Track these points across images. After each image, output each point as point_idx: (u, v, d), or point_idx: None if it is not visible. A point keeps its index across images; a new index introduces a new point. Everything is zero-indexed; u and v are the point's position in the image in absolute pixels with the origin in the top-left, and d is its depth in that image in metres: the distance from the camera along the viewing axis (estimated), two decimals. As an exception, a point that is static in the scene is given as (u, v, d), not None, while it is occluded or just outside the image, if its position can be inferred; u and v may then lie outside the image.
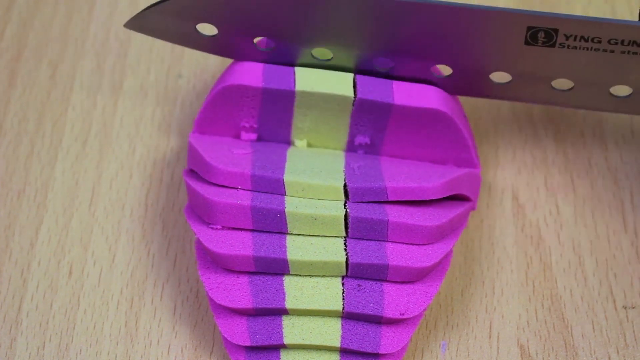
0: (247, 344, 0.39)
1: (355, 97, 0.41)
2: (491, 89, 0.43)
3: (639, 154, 0.46)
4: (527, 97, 0.43)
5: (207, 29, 0.42)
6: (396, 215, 0.40)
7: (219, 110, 0.43)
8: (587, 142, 0.47)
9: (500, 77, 0.43)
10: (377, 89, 0.42)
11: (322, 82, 0.42)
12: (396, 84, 0.42)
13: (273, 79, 0.42)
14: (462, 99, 0.45)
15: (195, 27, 0.42)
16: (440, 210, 0.41)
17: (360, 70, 0.42)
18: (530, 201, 0.45)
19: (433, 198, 0.41)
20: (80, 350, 0.41)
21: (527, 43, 0.41)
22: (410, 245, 0.40)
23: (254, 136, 0.43)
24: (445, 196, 0.41)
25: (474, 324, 0.42)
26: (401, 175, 0.41)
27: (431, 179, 0.41)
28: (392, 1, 0.40)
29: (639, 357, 0.41)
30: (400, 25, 0.41)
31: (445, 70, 0.42)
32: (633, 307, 0.42)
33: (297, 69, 0.42)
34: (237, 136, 0.44)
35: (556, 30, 0.40)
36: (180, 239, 0.44)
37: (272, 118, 0.43)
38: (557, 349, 0.41)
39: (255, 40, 0.42)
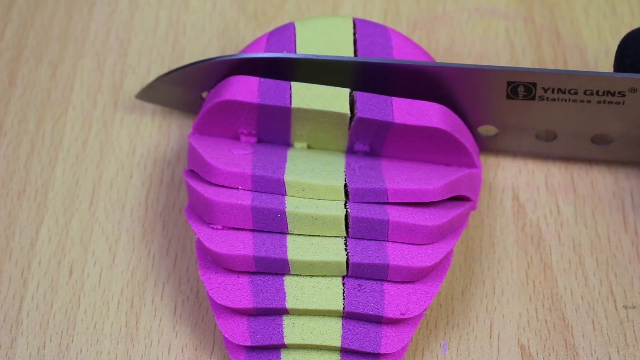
0: (248, 343, 0.39)
1: (353, 115, 0.41)
2: (480, 142, 0.45)
3: (639, 154, 0.46)
4: (514, 149, 0.45)
5: None
6: (397, 215, 0.40)
7: (216, 118, 0.43)
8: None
9: (488, 130, 0.45)
10: (376, 107, 0.41)
11: (318, 99, 0.41)
12: (396, 101, 0.41)
13: (269, 95, 0.41)
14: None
15: (201, 95, 0.45)
16: (441, 210, 0.41)
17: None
18: (530, 201, 0.45)
19: (433, 200, 0.41)
20: (81, 350, 0.41)
21: (508, 97, 0.43)
22: (411, 245, 0.40)
23: (253, 139, 0.44)
24: (445, 197, 0.41)
25: (475, 323, 0.42)
26: (402, 176, 0.41)
27: (432, 180, 0.41)
28: (374, 64, 0.42)
29: (639, 356, 0.41)
30: (384, 86, 0.43)
31: None
32: (633, 307, 0.42)
33: (293, 84, 0.42)
34: (237, 138, 0.44)
35: (534, 84, 0.42)
36: (180, 239, 0.44)
37: (270, 127, 0.43)
38: (557, 348, 0.41)
39: None
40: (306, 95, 0.41)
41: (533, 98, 0.42)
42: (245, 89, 0.42)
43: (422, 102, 0.42)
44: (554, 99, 0.42)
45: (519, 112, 0.43)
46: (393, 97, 0.42)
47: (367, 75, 0.43)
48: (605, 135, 0.44)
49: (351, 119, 0.42)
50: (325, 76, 0.42)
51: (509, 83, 0.42)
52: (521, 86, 0.42)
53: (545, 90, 0.42)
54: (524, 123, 0.44)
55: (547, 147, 0.45)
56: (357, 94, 0.42)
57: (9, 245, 0.44)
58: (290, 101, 0.41)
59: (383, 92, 0.42)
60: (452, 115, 0.42)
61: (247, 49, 0.44)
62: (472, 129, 0.44)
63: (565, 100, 0.42)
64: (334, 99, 0.41)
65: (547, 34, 0.49)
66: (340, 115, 0.41)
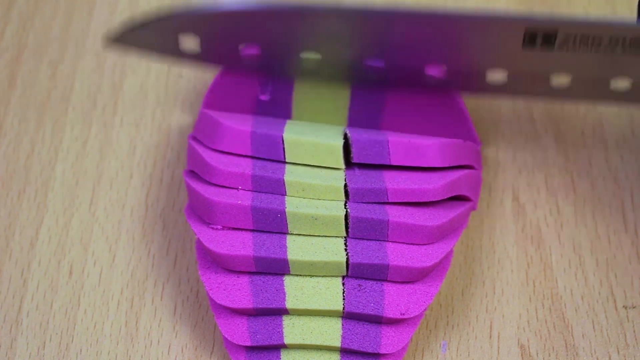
0: (248, 343, 0.39)
1: (347, 168, 0.42)
2: (487, 87, 0.43)
3: (639, 154, 0.46)
4: (524, 95, 0.43)
5: (191, 43, 0.42)
6: (397, 215, 0.40)
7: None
8: (587, 142, 0.47)
9: (496, 76, 0.43)
10: (371, 153, 0.41)
11: (311, 156, 0.41)
12: (392, 144, 0.41)
13: (262, 149, 0.41)
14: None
15: (177, 40, 0.42)
16: (441, 210, 0.41)
17: (351, 73, 0.42)
18: (530, 201, 0.45)
19: (433, 200, 0.41)
20: (81, 350, 0.41)
21: (525, 46, 0.40)
22: (411, 245, 0.40)
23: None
24: (445, 197, 0.41)
25: (475, 323, 0.42)
26: (402, 176, 0.41)
27: (432, 180, 0.41)
28: (384, 12, 0.40)
29: (640, 357, 0.41)
30: (394, 34, 0.41)
31: (440, 71, 0.42)
32: (633, 307, 0.42)
33: (286, 138, 0.41)
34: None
35: (555, 33, 0.40)
36: (180, 239, 0.44)
37: (265, 170, 0.42)
38: (557, 348, 0.41)
39: (241, 46, 0.42)
40: (299, 153, 0.41)
41: (552, 48, 0.40)
42: (238, 142, 0.42)
43: (418, 141, 0.41)
44: (574, 49, 0.40)
45: (534, 62, 0.41)
46: (389, 139, 0.41)
47: (373, 24, 0.40)
48: (623, 81, 0.42)
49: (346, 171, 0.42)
50: (322, 20, 0.40)
51: (526, 32, 0.39)
52: (540, 35, 0.39)
53: (566, 39, 0.40)
54: (538, 71, 0.41)
55: (561, 93, 0.43)
56: (352, 146, 0.41)
57: (9, 245, 0.44)
58: (284, 155, 0.41)
59: (386, 38, 0.40)
60: (450, 144, 0.42)
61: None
62: (479, 75, 0.42)
63: (587, 51, 0.40)
64: (327, 154, 0.41)
65: (547, 34, 0.49)
66: (335, 169, 0.41)
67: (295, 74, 0.43)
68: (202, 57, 0.42)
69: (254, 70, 0.43)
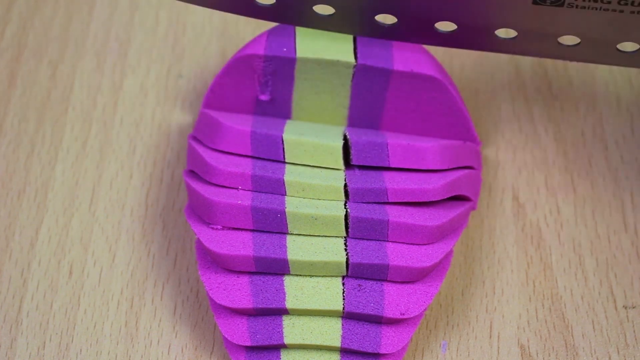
0: (248, 343, 0.39)
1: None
2: (496, 44, 0.43)
3: (639, 154, 0.46)
4: (532, 52, 0.43)
5: None
6: (396, 215, 0.40)
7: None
8: (587, 142, 0.47)
9: (505, 32, 0.42)
10: (370, 155, 0.42)
11: (311, 156, 0.41)
12: (391, 147, 0.41)
13: (262, 149, 0.42)
14: (463, 92, 0.45)
15: None
16: (441, 210, 0.41)
17: (363, 27, 0.42)
18: (530, 201, 0.45)
19: (433, 200, 0.41)
20: (81, 350, 0.41)
21: (535, 2, 0.40)
22: (411, 245, 0.40)
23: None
24: (445, 197, 0.41)
25: (475, 323, 0.42)
26: (402, 176, 0.41)
27: (432, 180, 0.41)
28: None
29: (639, 357, 0.41)
30: None
31: (449, 26, 0.42)
32: (633, 307, 0.42)
33: (286, 138, 0.41)
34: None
35: None
36: (180, 239, 0.44)
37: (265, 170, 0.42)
38: (557, 348, 0.41)
39: None
40: (299, 152, 0.42)
41: (562, 4, 0.40)
42: (238, 143, 0.42)
43: (419, 145, 0.42)
44: (584, 7, 0.40)
45: (543, 19, 0.41)
46: (388, 149, 0.42)
47: None
48: (632, 44, 0.42)
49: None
50: None
51: None
52: None
53: None
54: (547, 29, 0.41)
55: (569, 52, 0.42)
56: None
57: (9, 245, 0.44)
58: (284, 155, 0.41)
59: None
60: (445, 72, 0.43)
61: (247, 47, 0.44)
62: (487, 31, 0.42)
63: (596, 9, 0.40)
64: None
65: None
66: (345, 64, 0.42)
67: (308, 24, 0.43)
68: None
69: (268, 18, 0.42)
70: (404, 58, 0.42)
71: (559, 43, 0.42)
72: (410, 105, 0.43)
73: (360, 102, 0.43)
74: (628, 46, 0.42)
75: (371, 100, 0.43)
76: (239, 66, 0.43)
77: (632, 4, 0.40)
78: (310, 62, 0.42)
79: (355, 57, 0.42)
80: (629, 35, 0.41)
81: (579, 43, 0.42)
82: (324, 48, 0.42)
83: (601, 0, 0.40)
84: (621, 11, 0.40)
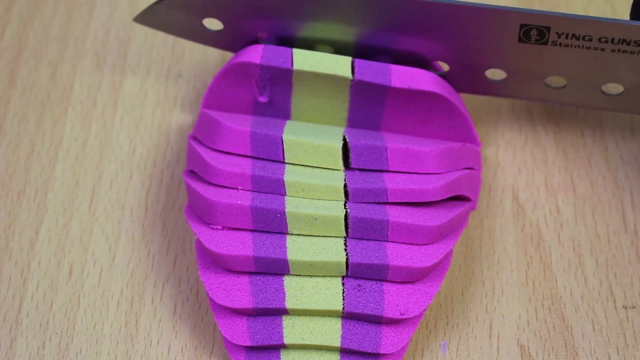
0: (247, 344, 0.39)
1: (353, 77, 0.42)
2: (487, 86, 0.44)
3: (639, 154, 0.46)
4: (522, 95, 0.44)
5: (214, 24, 0.44)
6: (396, 215, 0.40)
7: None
8: (587, 142, 0.47)
9: (495, 74, 0.43)
10: (369, 159, 0.42)
11: (311, 157, 0.41)
12: (390, 151, 0.41)
13: (262, 149, 0.42)
14: (463, 97, 0.45)
15: (202, 22, 0.43)
16: (441, 210, 0.41)
17: (359, 53, 0.43)
18: (530, 201, 0.45)
19: (433, 200, 0.41)
20: (81, 350, 0.41)
21: (520, 40, 0.41)
22: (411, 245, 0.40)
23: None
24: (445, 197, 0.41)
25: (474, 323, 0.42)
26: (401, 176, 0.41)
27: (431, 180, 0.41)
28: None
29: (639, 357, 0.41)
30: (397, 22, 0.41)
31: (443, 66, 0.43)
32: (633, 307, 0.42)
33: (285, 138, 0.41)
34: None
35: (548, 28, 0.41)
36: (180, 239, 0.44)
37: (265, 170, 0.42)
38: (557, 348, 0.41)
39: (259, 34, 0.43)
40: (299, 153, 0.42)
41: (546, 43, 0.41)
42: (237, 143, 0.42)
43: (417, 70, 0.42)
44: (567, 45, 0.41)
45: (529, 57, 0.42)
46: (387, 161, 0.42)
47: (374, 8, 0.41)
48: (616, 86, 0.43)
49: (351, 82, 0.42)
50: (331, 8, 0.42)
51: (522, 26, 0.41)
52: (534, 30, 0.41)
53: (559, 35, 0.41)
54: (533, 69, 0.43)
55: (556, 94, 0.44)
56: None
57: (9, 245, 0.44)
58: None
59: (390, 26, 0.42)
60: (445, 83, 0.43)
61: (244, 53, 0.44)
62: (478, 72, 0.43)
63: (579, 47, 0.41)
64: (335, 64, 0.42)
65: (547, 34, 0.49)
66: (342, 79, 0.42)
67: (304, 46, 0.44)
68: (223, 38, 0.44)
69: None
70: (402, 74, 0.42)
71: (547, 84, 0.43)
72: (410, 110, 0.43)
73: (360, 107, 0.43)
74: (612, 88, 0.43)
75: (370, 107, 0.43)
76: (236, 71, 0.43)
77: (612, 41, 0.41)
78: (307, 73, 0.42)
79: (353, 71, 0.42)
80: (613, 76, 0.42)
81: (565, 85, 0.43)
82: (321, 60, 0.42)
83: (582, 38, 0.41)
84: (602, 49, 0.41)
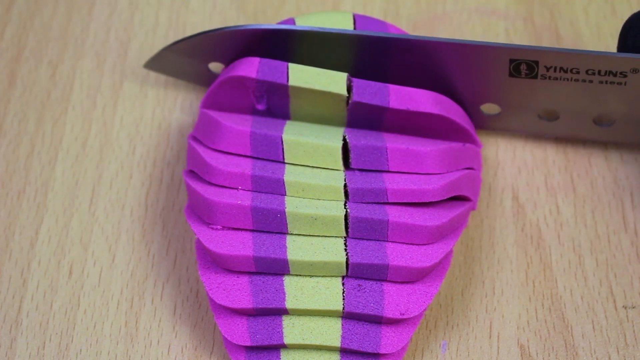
0: (247, 343, 0.39)
1: (349, 97, 0.42)
2: (482, 120, 0.45)
3: (639, 154, 0.46)
4: (517, 128, 0.46)
5: (219, 68, 0.46)
6: (396, 215, 0.40)
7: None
8: (587, 142, 0.47)
9: (491, 108, 0.45)
10: (369, 159, 0.42)
11: (310, 157, 0.41)
12: (391, 151, 0.41)
13: (261, 149, 0.42)
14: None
15: (208, 66, 0.45)
16: (441, 210, 0.41)
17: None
18: (530, 201, 0.45)
19: (433, 200, 0.41)
20: (80, 350, 0.41)
21: (511, 75, 0.43)
22: (411, 245, 0.40)
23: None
24: (445, 197, 0.41)
25: (474, 323, 0.42)
26: (401, 176, 0.41)
27: (431, 180, 0.41)
28: (377, 37, 0.42)
29: (639, 356, 0.41)
30: (388, 60, 0.43)
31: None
32: (633, 307, 0.42)
33: (285, 138, 0.41)
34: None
35: (536, 62, 0.42)
36: (180, 239, 0.44)
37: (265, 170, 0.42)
38: (557, 348, 0.41)
39: None
40: (299, 152, 0.42)
41: (535, 77, 0.42)
42: (238, 143, 0.42)
43: (416, 90, 0.42)
44: (556, 78, 0.42)
45: (521, 91, 0.43)
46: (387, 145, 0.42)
47: (367, 49, 0.43)
48: (607, 117, 0.44)
49: (348, 99, 0.42)
50: (326, 50, 0.43)
51: (511, 61, 0.42)
52: (524, 64, 0.42)
53: (548, 69, 0.42)
54: (526, 102, 0.44)
55: (549, 127, 0.45)
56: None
57: (9, 245, 0.44)
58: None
59: (382, 67, 0.43)
60: (443, 99, 0.43)
61: (239, 66, 0.43)
62: (474, 107, 0.44)
63: (568, 80, 0.42)
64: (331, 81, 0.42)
65: (546, 34, 0.49)
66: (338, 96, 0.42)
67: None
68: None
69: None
70: (401, 94, 0.42)
71: (540, 117, 0.45)
72: (409, 125, 0.43)
73: (358, 122, 0.43)
74: (604, 120, 0.44)
75: (368, 123, 0.43)
76: (232, 83, 0.43)
77: (599, 73, 0.42)
78: (302, 89, 0.42)
79: (349, 89, 0.42)
80: (603, 107, 0.43)
81: (558, 117, 0.44)
82: (316, 76, 0.42)
83: (570, 70, 0.42)
84: (590, 81, 0.42)
